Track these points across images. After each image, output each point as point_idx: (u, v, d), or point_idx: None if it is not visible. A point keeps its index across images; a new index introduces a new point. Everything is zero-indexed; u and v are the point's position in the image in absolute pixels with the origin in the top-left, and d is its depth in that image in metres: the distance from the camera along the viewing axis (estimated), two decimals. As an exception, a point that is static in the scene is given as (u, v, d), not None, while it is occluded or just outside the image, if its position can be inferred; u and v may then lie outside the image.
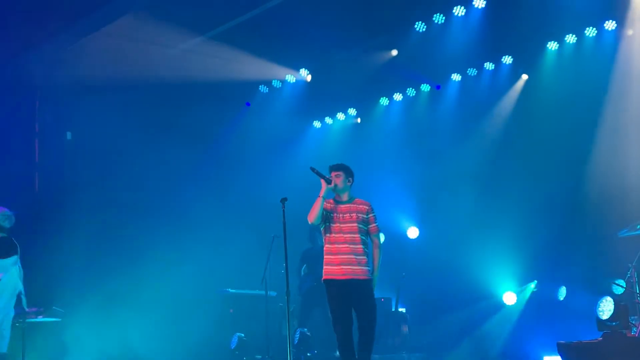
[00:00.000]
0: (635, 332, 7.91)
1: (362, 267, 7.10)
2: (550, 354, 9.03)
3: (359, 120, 13.29)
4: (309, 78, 12.44)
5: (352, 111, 13.19)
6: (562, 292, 10.05)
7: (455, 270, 11.00)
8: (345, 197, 7.29)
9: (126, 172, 11.73)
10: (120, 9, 10.06)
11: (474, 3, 10.51)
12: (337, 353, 7.32)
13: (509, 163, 11.32)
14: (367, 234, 7.24)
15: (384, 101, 12.82)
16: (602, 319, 7.96)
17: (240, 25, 10.62)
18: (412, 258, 11.79)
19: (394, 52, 11.65)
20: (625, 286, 8.32)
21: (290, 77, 12.40)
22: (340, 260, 7.09)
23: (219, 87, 11.63)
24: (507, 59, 11.40)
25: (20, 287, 8.60)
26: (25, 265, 8.86)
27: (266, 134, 12.72)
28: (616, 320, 7.85)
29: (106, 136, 11.53)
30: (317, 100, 12.61)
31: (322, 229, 7.27)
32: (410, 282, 11.18)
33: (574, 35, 10.70)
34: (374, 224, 7.26)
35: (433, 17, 10.84)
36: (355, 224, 7.14)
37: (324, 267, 7.22)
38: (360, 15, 10.33)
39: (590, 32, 10.55)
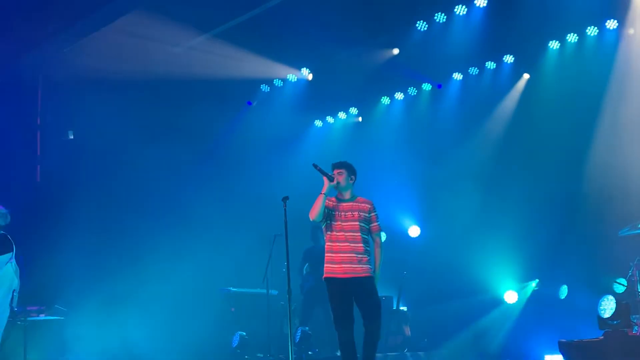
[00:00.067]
0: (637, 330, 7.91)
1: (363, 265, 7.06)
2: (551, 352, 9.03)
3: (360, 119, 13.29)
4: (310, 77, 12.45)
5: (353, 110, 13.20)
6: (564, 291, 10.06)
7: (456, 269, 10.99)
8: (347, 195, 7.27)
9: (128, 170, 11.74)
10: (123, 7, 10.09)
11: (475, 2, 10.53)
12: (338, 352, 7.31)
13: (510, 162, 11.33)
14: (368, 233, 7.21)
15: (385, 100, 12.82)
16: (603, 318, 7.97)
17: (242, 24, 10.65)
18: (413, 257, 11.78)
19: (396, 51, 11.66)
20: (626, 285, 8.33)
21: (292, 76, 12.41)
22: (341, 258, 7.06)
23: (220, 86, 11.65)
24: (509, 58, 11.41)
25: (15, 284, 8.60)
26: (28, 263, 8.87)
27: (268, 132, 12.72)
28: (618, 318, 7.86)
29: (108, 134, 11.53)
30: (319, 99, 12.61)
31: (323, 226, 7.25)
32: (412, 280, 11.18)
33: (575, 35, 10.70)
34: (376, 223, 7.24)
35: (434, 16, 10.86)
36: (357, 223, 7.11)
37: (325, 265, 7.19)
38: (361, 14, 10.34)
39: (592, 31, 10.56)
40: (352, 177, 7.30)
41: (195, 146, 12.32)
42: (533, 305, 10.72)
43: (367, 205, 7.24)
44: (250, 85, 12.41)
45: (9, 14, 9.93)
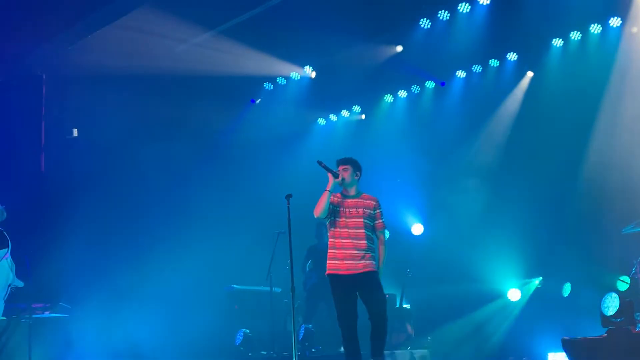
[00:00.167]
0: (640, 328, 7.92)
1: (366, 262, 7.02)
2: (555, 350, 9.03)
3: (363, 117, 13.30)
4: (313, 75, 12.46)
5: (356, 108, 13.20)
6: (567, 289, 10.06)
7: (459, 266, 10.98)
8: (352, 191, 7.24)
9: (132, 166, 11.77)
10: (128, 4, 10.09)
11: None
12: (342, 349, 7.31)
13: (514, 159, 11.33)
14: (372, 230, 7.18)
15: (389, 98, 12.82)
16: (607, 315, 7.96)
17: (246, 21, 10.67)
18: (416, 255, 11.78)
19: (399, 49, 11.67)
20: (630, 282, 8.33)
21: (295, 74, 12.41)
22: (343, 255, 7.04)
23: (224, 83, 11.66)
24: (512, 56, 11.40)
25: (11, 279, 8.63)
26: (32, 261, 8.90)
27: (271, 130, 12.74)
28: (621, 316, 7.85)
29: (112, 130, 11.56)
30: (322, 97, 12.62)
31: (327, 223, 7.23)
32: (415, 278, 11.18)
33: (579, 32, 10.70)
34: (380, 220, 7.21)
35: (438, 13, 10.86)
36: (362, 219, 7.09)
37: (328, 261, 7.16)
38: (365, 12, 10.35)
39: (595, 28, 10.55)
40: (358, 173, 7.27)
41: (200, 143, 12.36)
42: (536, 302, 10.71)
43: (372, 202, 7.22)
44: (254, 83, 12.42)
45: (15, 11, 9.95)
